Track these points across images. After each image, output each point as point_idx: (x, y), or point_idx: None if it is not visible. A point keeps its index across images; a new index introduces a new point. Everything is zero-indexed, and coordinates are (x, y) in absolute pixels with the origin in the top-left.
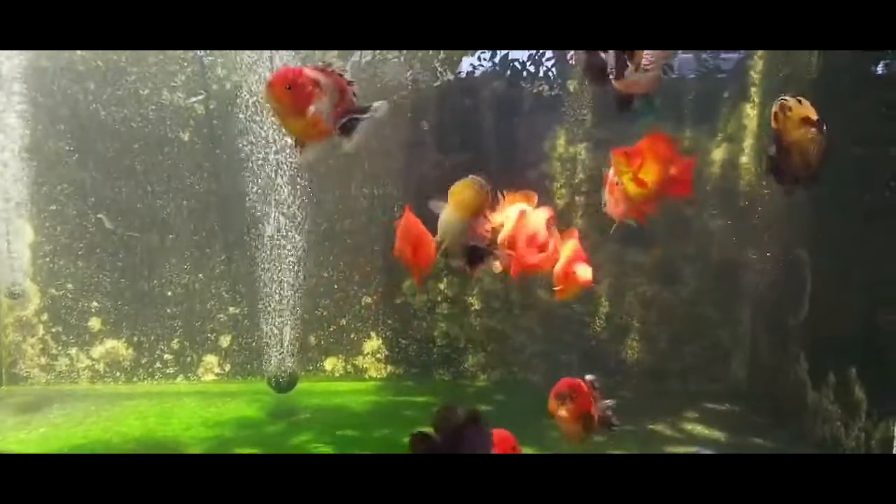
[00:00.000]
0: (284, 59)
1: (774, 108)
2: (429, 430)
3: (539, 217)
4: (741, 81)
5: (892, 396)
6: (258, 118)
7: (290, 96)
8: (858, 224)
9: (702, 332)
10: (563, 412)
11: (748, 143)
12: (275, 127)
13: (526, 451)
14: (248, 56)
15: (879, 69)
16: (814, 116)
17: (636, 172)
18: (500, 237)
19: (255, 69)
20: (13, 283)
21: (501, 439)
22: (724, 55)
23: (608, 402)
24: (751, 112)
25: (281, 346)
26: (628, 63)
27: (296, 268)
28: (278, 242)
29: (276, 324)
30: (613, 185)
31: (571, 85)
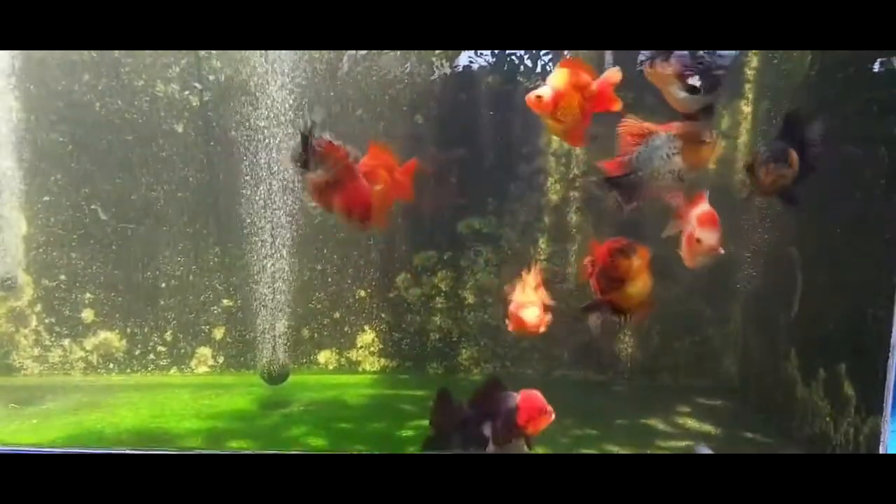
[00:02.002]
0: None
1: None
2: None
3: None
4: (736, 78)
5: (881, 393)
6: (252, 110)
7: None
8: (849, 222)
9: (693, 329)
10: None
11: (742, 139)
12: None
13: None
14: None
15: (875, 67)
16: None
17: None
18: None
19: (249, 61)
20: (6, 274)
21: (529, 400)
22: (719, 52)
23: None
24: (745, 109)
25: (274, 339)
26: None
27: (289, 261)
28: (272, 235)
29: (270, 316)
30: None
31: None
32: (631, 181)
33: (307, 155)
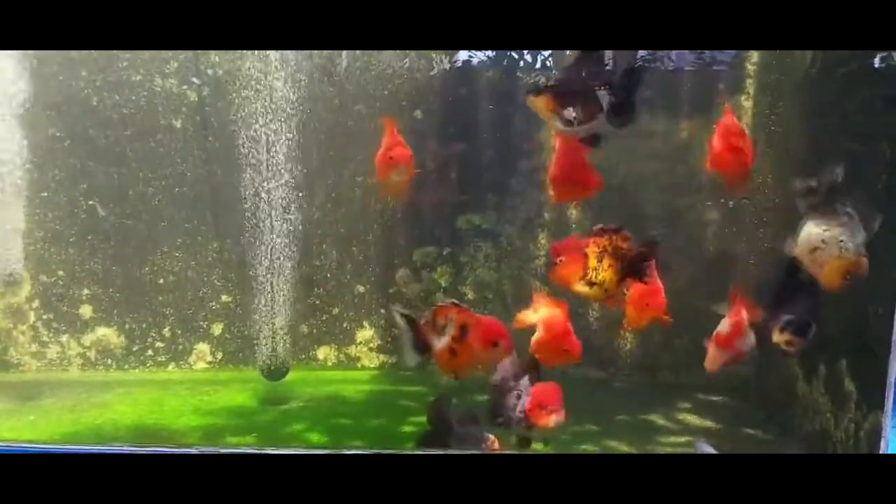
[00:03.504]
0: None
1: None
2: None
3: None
4: (736, 73)
5: (882, 389)
6: (251, 106)
7: None
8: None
9: (694, 325)
10: None
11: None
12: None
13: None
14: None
15: (876, 63)
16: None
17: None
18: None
19: (247, 56)
20: (9, 268)
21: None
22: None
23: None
24: (746, 104)
25: (273, 335)
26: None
27: (288, 256)
28: (271, 230)
29: (268, 312)
30: None
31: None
32: None
33: (423, 338)
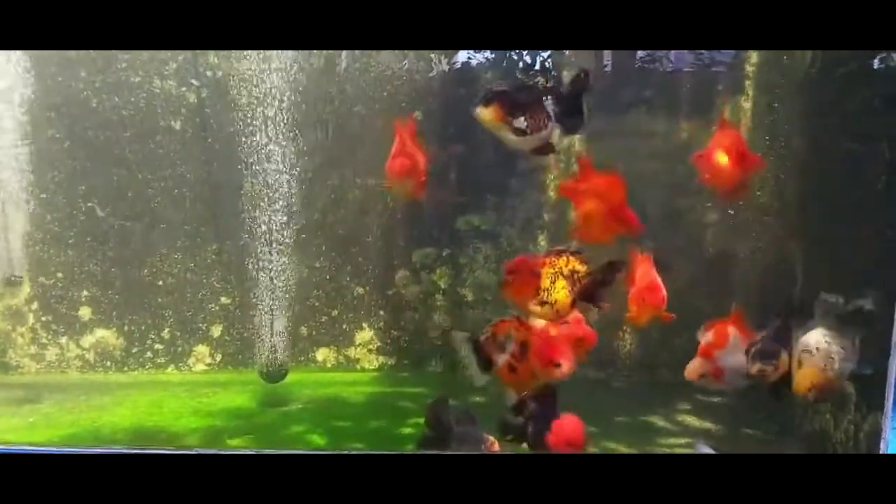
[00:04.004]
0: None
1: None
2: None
3: None
4: (735, 74)
5: (881, 390)
6: (250, 109)
7: None
8: (850, 218)
9: (694, 325)
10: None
11: (743, 136)
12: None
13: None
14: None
15: (876, 63)
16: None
17: None
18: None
19: (247, 56)
20: (12, 270)
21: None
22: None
23: None
24: (745, 105)
25: (272, 337)
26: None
27: (287, 258)
28: (270, 232)
29: (268, 314)
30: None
31: (567, 77)
32: None
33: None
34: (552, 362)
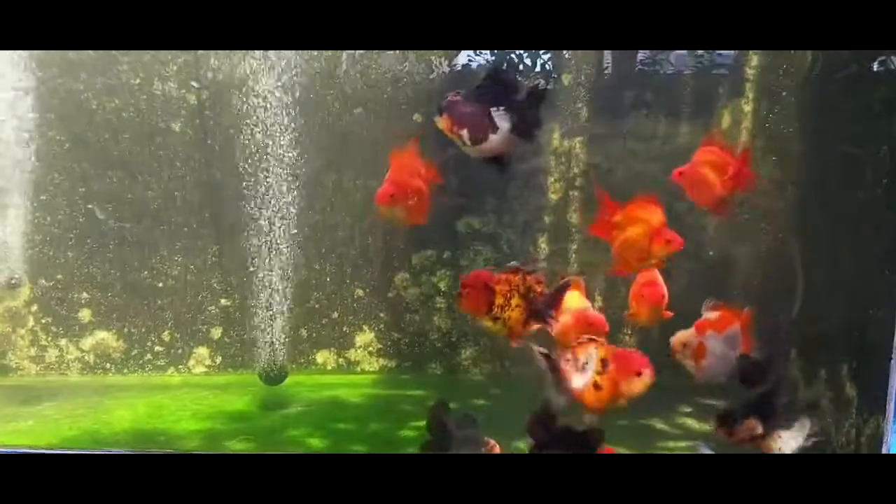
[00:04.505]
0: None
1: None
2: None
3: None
4: (736, 77)
5: (883, 393)
6: (250, 109)
7: None
8: (850, 221)
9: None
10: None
11: (743, 139)
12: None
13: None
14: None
15: (875, 66)
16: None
17: None
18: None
19: (247, 58)
20: (12, 273)
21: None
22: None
23: None
24: (745, 108)
25: (272, 339)
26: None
27: (287, 260)
28: (270, 234)
29: (268, 316)
30: None
31: (566, 79)
32: None
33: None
34: (636, 372)
